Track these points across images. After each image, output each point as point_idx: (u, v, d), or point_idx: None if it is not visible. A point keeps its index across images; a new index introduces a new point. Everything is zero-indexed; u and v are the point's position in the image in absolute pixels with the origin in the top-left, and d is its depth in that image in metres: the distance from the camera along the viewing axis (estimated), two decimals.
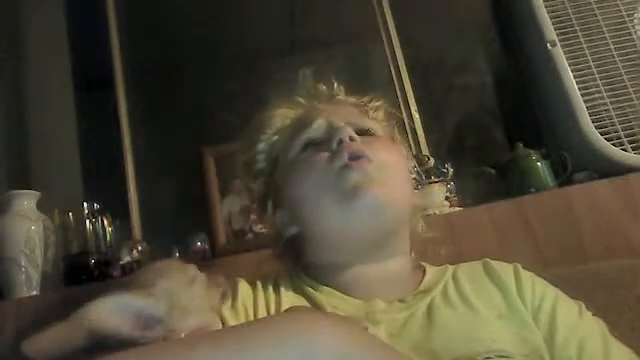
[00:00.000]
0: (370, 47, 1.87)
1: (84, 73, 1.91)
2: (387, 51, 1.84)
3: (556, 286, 0.82)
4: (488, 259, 0.84)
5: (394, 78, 1.81)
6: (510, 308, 0.76)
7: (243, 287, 0.79)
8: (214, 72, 1.78)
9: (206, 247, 1.51)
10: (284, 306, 0.75)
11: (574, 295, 0.81)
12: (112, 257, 1.41)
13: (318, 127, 0.83)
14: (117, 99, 1.83)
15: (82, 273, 1.38)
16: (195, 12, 1.92)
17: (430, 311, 0.74)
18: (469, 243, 1.26)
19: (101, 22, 1.92)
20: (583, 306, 0.79)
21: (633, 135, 1.47)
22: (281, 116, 0.90)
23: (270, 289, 0.79)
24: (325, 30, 1.88)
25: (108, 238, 1.46)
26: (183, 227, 1.57)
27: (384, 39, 1.85)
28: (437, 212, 1.40)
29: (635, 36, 1.56)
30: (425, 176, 1.45)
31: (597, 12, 1.57)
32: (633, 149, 1.45)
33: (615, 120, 1.48)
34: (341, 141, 0.78)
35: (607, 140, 1.46)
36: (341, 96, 0.93)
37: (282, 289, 0.79)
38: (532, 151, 1.53)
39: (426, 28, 1.84)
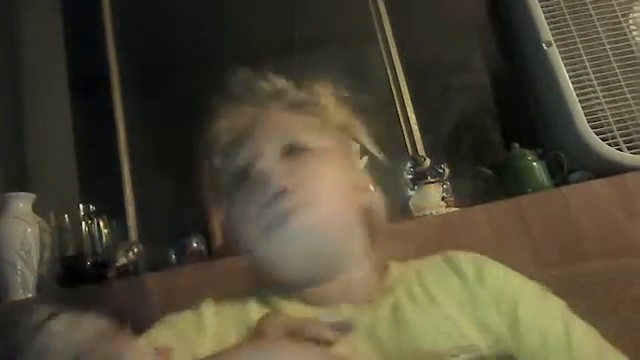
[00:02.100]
0: (367, 47, 1.87)
1: (80, 74, 1.91)
2: (383, 51, 1.84)
3: (552, 286, 0.81)
4: (449, 251, 0.84)
5: (390, 78, 1.81)
6: (472, 297, 0.76)
7: (206, 307, 0.79)
8: (211, 73, 1.78)
9: (202, 248, 1.51)
10: (251, 322, 0.74)
11: (570, 295, 0.81)
12: (108, 259, 1.41)
13: (245, 153, 0.82)
14: (113, 100, 1.83)
15: (78, 275, 1.37)
16: (192, 13, 1.92)
17: (396, 310, 0.74)
18: (466, 243, 1.24)
19: (97, 23, 1.92)
20: (546, 290, 0.79)
21: (629, 135, 1.47)
22: (224, 130, 0.88)
23: (236, 306, 0.79)
24: (323, 31, 1.88)
25: (104, 240, 1.45)
26: (179, 228, 1.57)
27: (380, 39, 1.85)
28: (433, 212, 1.41)
29: (630, 36, 1.56)
30: (421, 176, 1.45)
31: (592, 12, 1.57)
32: (629, 149, 1.46)
33: (610, 120, 1.49)
34: (263, 173, 0.77)
35: (603, 140, 1.46)
36: (279, 101, 0.88)
37: (249, 304, 0.79)
38: (528, 151, 1.53)
39: (422, 28, 1.85)
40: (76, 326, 0.50)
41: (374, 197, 0.88)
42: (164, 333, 0.74)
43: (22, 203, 1.43)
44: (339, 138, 0.88)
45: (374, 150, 0.92)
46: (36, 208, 1.45)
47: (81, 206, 1.47)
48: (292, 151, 0.80)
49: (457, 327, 0.71)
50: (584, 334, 0.75)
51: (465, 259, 0.81)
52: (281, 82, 0.89)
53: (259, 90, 0.88)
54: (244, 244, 0.80)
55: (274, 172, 0.77)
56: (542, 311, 0.76)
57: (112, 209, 1.56)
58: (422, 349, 0.68)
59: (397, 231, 1.29)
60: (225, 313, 0.78)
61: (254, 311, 0.77)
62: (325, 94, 0.89)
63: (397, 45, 1.84)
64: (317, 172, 0.80)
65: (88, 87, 1.89)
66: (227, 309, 0.78)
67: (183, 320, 0.77)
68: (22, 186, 1.60)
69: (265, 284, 0.82)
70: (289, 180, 0.76)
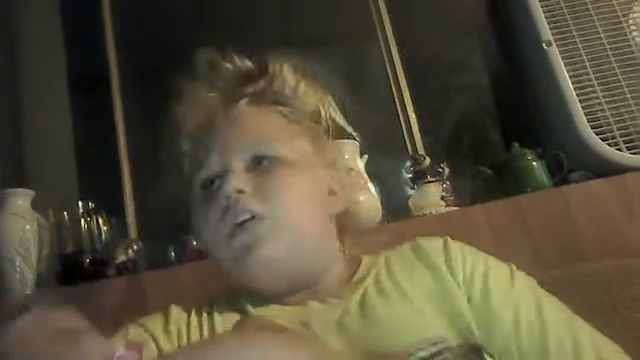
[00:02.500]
0: (367, 47, 1.87)
1: (80, 72, 1.90)
2: (383, 51, 1.84)
3: (551, 285, 0.81)
4: (419, 239, 0.83)
5: (390, 78, 1.81)
6: (440, 287, 0.75)
7: (174, 311, 0.79)
8: None
9: (202, 246, 1.51)
10: (217, 326, 0.75)
11: (569, 294, 0.81)
12: (107, 256, 1.41)
13: (212, 165, 0.78)
14: (113, 98, 1.83)
15: (77, 272, 1.37)
16: (192, 12, 1.92)
17: (363, 303, 0.74)
18: (465, 242, 1.26)
19: (97, 22, 1.92)
20: (514, 267, 0.79)
21: (628, 135, 1.48)
22: (190, 116, 0.85)
23: (204, 311, 0.79)
24: (322, 29, 1.88)
25: (103, 237, 1.45)
26: (179, 226, 1.57)
27: (380, 39, 1.85)
28: (433, 211, 1.41)
29: (630, 36, 1.56)
30: (421, 175, 1.45)
31: (592, 12, 1.58)
32: (628, 149, 1.46)
33: (610, 120, 1.49)
34: (229, 197, 0.74)
35: (602, 140, 1.47)
36: (244, 88, 0.84)
37: (216, 309, 0.78)
38: (528, 151, 1.53)
39: (422, 28, 1.85)
40: (37, 325, 0.50)
41: (348, 198, 0.86)
42: (135, 332, 0.75)
43: (21, 200, 1.42)
44: (310, 133, 0.84)
45: (349, 129, 0.90)
46: (35, 205, 1.45)
47: (80, 203, 1.47)
48: (261, 162, 0.77)
49: (425, 320, 0.71)
50: (556, 309, 0.75)
51: (434, 248, 0.80)
52: (245, 65, 0.85)
53: (224, 73, 0.85)
54: (211, 254, 0.79)
55: (241, 196, 0.74)
56: (513, 289, 0.76)
57: (111, 206, 1.56)
58: (389, 343, 0.68)
59: (396, 230, 1.29)
60: (191, 321, 0.77)
61: (222, 317, 0.77)
62: (291, 77, 0.85)
63: (397, 44, 1.84)
64: (287, 189, 0.77)
65: (88, 85, 1.88)
66: (192, 316, 0.78)
67: (153, 321, 0.77)
68: (21, 183, 1.60)
69: (234, 288, 0.82)
70: (257, 203, 0.74)
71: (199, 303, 0.81)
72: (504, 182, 1.52)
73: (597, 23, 1.57)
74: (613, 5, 1.58)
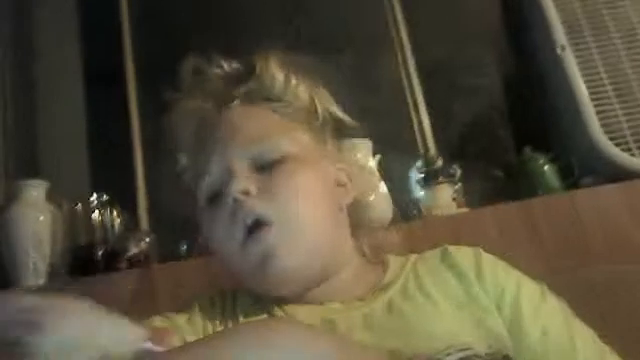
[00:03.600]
0: (380, 48, 1.87)
1: (94, 64, 1.91)
2: (398, 53, 1.84)
3: (560, 289, 0.81)
4: (448, 246, 0.82)
5: (404, 79, 1.81)
6: (469, 296, 0.74)
7: (198, 305, 0.79)
8: None
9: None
10: (240, 318, 0.75)
11: (577, 299, 0.81)
12: (119, 249, 1.42)
13: (213, 172, 0.77)
14: (127, 90, 1.83)
15: (89, 264, 1.38)
16: (206, 4, 1.92)
17: (390, 307, 0.74)
18: (474, 244, 1.26)
19: (113, 12, 1.93)
20: (545, 288, 0.78)
21: None
22: (183, 130, 0.84)
23: (227, 303, 0.79)
24: (335, 31, 1.88)
25: (116, 230, 1.46)
26: (191, 220, 1.58)
27: (395, 41, 1.86)
28: (444, 213, 1.41)
29: None
30: (433, 176, 1.45)
31: (607, 17, 1.57)
32: None
33: (624, 125, 1.49)
34: (236, 200, 0.72)
35: (615, 145, 1.46)
36: (235, 90, 0.82)
37: (238, 302, 0.78)
38: (540, 155, 1.53)
39: (436, 31, 1.84)
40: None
41: (357, 188, 0.85)
42: (160, 322, 0.74)
43: (35, 191, 1.44)
44: (309, 125, 0.83)
45: (346, 118, 0.86)
46: (49, 196, 1.46)
47: (94, 195, 1.49)
48: (263, 160, 0.76)
49: (453, 327, 0.71)
50: (585, 332, 0.75)
51: (464, 257, 0.79)
52: (232, 67, 0.84)
53: (212, 78, 0.83)
54: (225, 265, 0.78)
55: (247, 198, 0.72)
56: (543, 307, 0.75)
57: (124, 199, 1.57)
58: (416, 346, 0.67)
59: (406, 230, 1.30)
60: (215, 311, 0.78)
61: (242, 310, 0.77)
62: (280, 73, 0.83)
63: (411, 46, 1.84)
64: (293, 186, 0.75)
65: (102, 77, 1.89)
66: (216, 308, 0.78)
67: (178, 314, 0.77)
68: (35, 174, 1.62)
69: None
70: (265, 205, 0.72)
71: (222, 296, 0.80)
72: (515, 185, 1.53)
73: (611, 28, 1.56)
74: (628, 10, 1.57)
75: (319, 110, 0.84)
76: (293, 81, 0.83)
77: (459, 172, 1.46)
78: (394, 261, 0.83)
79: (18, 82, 1.82)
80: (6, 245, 1.41)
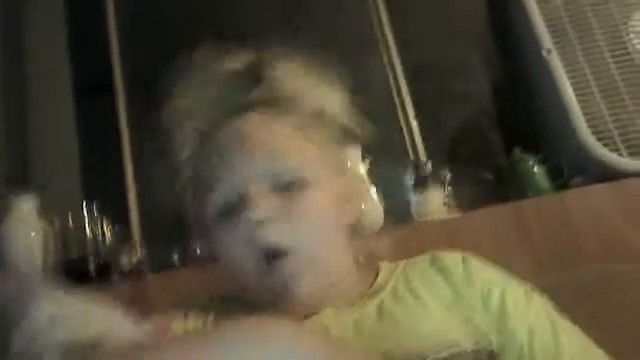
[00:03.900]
0: (367, 52, 1.88)
1: (85, 76, 1.91)
2: (384, 56, 1.85)
3: (552, 290, 0.81)
4: (436, 252, 0.83)
5: (391, 83, 1.82)
6: (457, 296, 0.76)
7: (193, 311, 0.78)
8: None
9: (205, 252, 1.51)
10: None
11: (570, 299, 0.82)
12: (112, 261, 1.42)
13: (228, 189, 0.74)
14: (117, 102, 1.83)
15: (82, 277, 1.38)
16: (196, 14, 1.92)
17: (380, 311, 0.75)
18: (466, 248, 1.26)
19: (101, 25, 1.93)
20: (529, 288, 0.79)
21: (629, 140, 1.48)
22: (187, 127, 0.82)
23: (222, 309, 0.78)
24: (322, 34, 1.88)
25: (107, 242, 1.46)
26: (182, 231, 1.58)
27: (381, 44, 1.86)
28: (435, 217, 1.41)
29: (629, 43, 1.57)
30: (423, 181, 1.46)
31: (592, 19, 1.59)
32: (629, 154, 1.47)
33: (610, 126, 1.50)
34: (254, 226, 0.71)
35: (603, 145, 1.47)
36: (252, 114, 0.79)
37: (233, 308, 0.76)
38: (529, 156, 1.54)
39: (422, 34, 1.85)
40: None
41: (364, 205, 0.86)
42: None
43: (26, 205, 1.43)
44: (320, 137, 0.80)
45: (356, 127, 0.83)
46: (40, 210, 1.46)
47: (85, 208, 1.48)
48: (282, 184, 0.74)
49: (441, 325, 0.72)
50: (570, 331, 0.76)
51: (452, 260, 0.80)
52: (245, 68, 0.81)
53: (224, 76, 0.81)
54: (233, 272, 0.77)
55: (267, 226, 0.71)
56: (529, 307, 0.76)
57: (115, 211, 1.57)
58: (405, 345, 0.68)
59: (398, 236, 1.30)
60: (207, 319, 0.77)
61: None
62: (293, 79, 0.81)
63: (398, 50, 1.85)
64: (312, 215, 0.74)
65: (92, 89, 1.89)
66: (210, 318, 0.77)
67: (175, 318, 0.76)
68: (25, 187, 1.61)
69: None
70: (284, 234, 0.71)
71: (215, 303, 0.80)
72: (505, 187, 1.53)
73: (596, 29, 1.58)
74: (612, 12, 1.59)
75: (329, 120, 0.82)
76: (306, 88, 0.81)
77: (449, 176, 1.47)
78: (385, 267, 0.83)
79: (8, 94, 1.81)
80: None
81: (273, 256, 0.71)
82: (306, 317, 0.75)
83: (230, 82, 0.81)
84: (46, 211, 1.46)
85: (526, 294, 0.78)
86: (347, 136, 0.85)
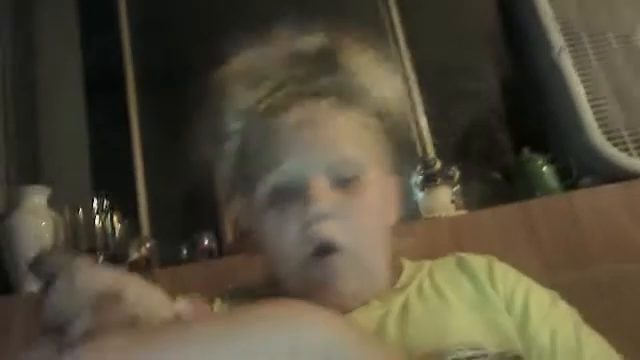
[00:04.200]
0: (378, 51, 1.87)
1: (96, 70, 1.92)
2: (395, 56, 1.85)
3: (559, 290, 0.81)
4: (462, 254, 0.83)
5: (402, 82, 1.81)
6: (482, 298, 0.75)
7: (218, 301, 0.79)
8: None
9: (213, 246, 1.53)
10: None
11: (577, 299, 0.82)
12: (121, 254, 1.43)
13: (288, 178, 0.73)
14: (128, 96, 1.85)
15: None
16: (209, 9, 1.93)
17: (405, 307, 0.74)
18: (473, 246, 1.25)
19: (113, 18, 1.94)
20: (557, 296, 0.79)
21: (639, 140, 1.48)
22: (250, 99, 0.78)
23: (245, 302, 0.76)
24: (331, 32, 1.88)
25: (117, 235, 1.47)
26: (191, 225, 1.59)
27: (391, 43, 1.86)
28: (442, 215, 1.42)
29: None
30: (431, 179, 1.46)
31: (603, 19, 1.58)
32: (639, 154, 1.46)
33: (621, 126, 1.49)
34: (312, 219, 0.70)
35: (613, 145, 1.47)
36: (324, 104, 0.76)
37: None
38: (538, 156, 1.54)
39: (433, 33, 1.85)
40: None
41: (399, 204, 0.84)
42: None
43: (37, 197, 1.45)
44: (378, 135, 0.79)
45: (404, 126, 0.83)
46: (50, 202, 1.47)
47: (95, 201, 1.49)
48: (340, 181, 0.73)
49: (465, 325, 0.72)
50: (595, 340, 0.74)
51: (478, 262, 0.80)
52: (322, 52, 0.78)
53: (300, 56, 0.78)
54: (274, 271, 0.77)
55: (325, 222, 0.70)
56: (552, 313, 0.75)
57: (125, 204, 1.58)
58: (427, 343, 0.68)
59: (406, 232, 1.30)
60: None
61: None
62: (368, 72, 0.79)
63: (408, 48, 1.85)
64: (368, 217, 0.74)
65: (103, 83, 1.90)
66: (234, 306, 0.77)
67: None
68: (36, 180, 1.63)
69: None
70: (340, 232, 0.71)
71: (236, 291, 0.80)
72: (513, 187, 1.53)
73: (608, 30, 1.57)
74: (623, 12, 1.58)
75: (394, 118, 0.81)
76: (379, 83, 0.80)
77: (457, 174, 1.47)
78: (409, 265, 0.84)
79: (19, 89, 1.83)
80: (8, 251, 1.41)
81: (324, 250, 0.71)
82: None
83: (301, 62, 0.78)
84: (57, 204, 1.47)
85: (552, 300, 0.78)
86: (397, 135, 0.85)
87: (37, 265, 0.51)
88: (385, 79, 0.80)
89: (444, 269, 0.81)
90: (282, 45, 0.79)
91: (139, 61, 1.90)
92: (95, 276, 0.51)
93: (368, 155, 0.76)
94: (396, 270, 0.82)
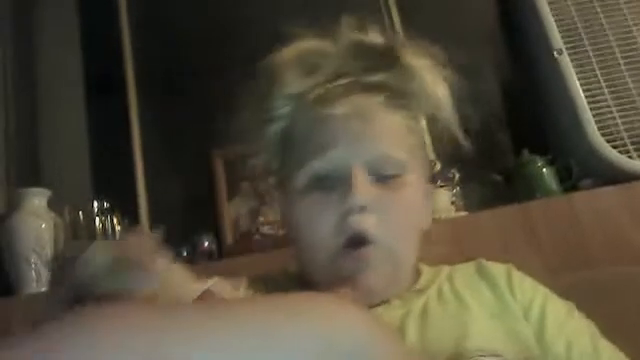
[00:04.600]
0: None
1: (96, 72, 1.92)
2: None
3: (559, 292, 0.82)
4: (482, 260, 0.83)
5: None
6: (502, 306, 0.76)
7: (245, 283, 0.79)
8: (226, 72, 1.79)
9: (213, 247, 1.53)
10: None
11: (577, 301, 0.82)
12: None
13: (333, 160, 0.73)
14: (128, 98, 1.85)
15: None
16: (209, 12, 1.93)
17: (425, 310, 0.75)
18: (474, 248, 1.26)
19: (113, 21, 1.94)
20: (574, 307, 0.79)
21: (639, 142, 1.48)
22: (306, 83, 0.77)
23: (271, 289, 0.79)
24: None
25: (117, 236, 1.47)
26: (191, 227, 1.59)
27: None
28: (443, 216, 1.42)
29: None
30: (431, 181, 1.46)
31: (604, 20, 1.58)
32: (639, 156, 1.46)
33: (621, 127, 1.49)
34: (350, 211, 0.70)
35: (613, 147, 1.47)
36: (379, 100, 0.76)
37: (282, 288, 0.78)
38: (538, 157, 1.54)
39: (433, 34, 1.85)
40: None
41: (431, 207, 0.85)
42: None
43: (37, 199, 1.45)
44: (421, 136, 0.80)
45: (461, 138, 0.83)
46: (50, 203, 1.47)
47: (95, 202, 1.49)
48: (382, 177, 0.73)
49: (485, 330, 0.72)
50: (611, 350, 0.74)
51: (497, 269, 0.81)
52: (382, 47, 0.78)
53: (362, 49, 0.78)
54: (304, 262, 0.78)
55: (363, 214, 0.70)
56: (568, 323, 0.75)
57: (125, 206, 1.58)
58: (447, 347, 0.68)
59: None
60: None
61: None
62: (423, 73, 0.78)
63: None
64: (405, 216, 0.75)
65: (103, 85, 1.90)
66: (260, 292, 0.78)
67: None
68: (37, 181, 1.62)
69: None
70: (376, 227, 0.71)
71: (265, 279, 0.81)
72: (513, 188, 1.53)
73: (608, 31, 1.57)
74: (624, 13, 1.58)
75: (443, 117, 0.80)
76: (433, 87, 0.79)
77: (457, 176, 1.47)
78: (427, 269, 0.84)
79: (19, 90, 1.83)
80: (8, 252, 1.41)
81: (357, 242, 0.70)
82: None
83: (362, 55, 0.78)
84: (57, 205, 1.47)
85: (568, 311, 0.78)
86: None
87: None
88: (441, 86, 0.79)
89: (464, 274, 0.81)
90: (342, 37, 0.79)
91: (139, 62, 1.90)
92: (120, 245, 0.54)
93: (411, 157, 0.76)
94: (415, 273, 0.83)
